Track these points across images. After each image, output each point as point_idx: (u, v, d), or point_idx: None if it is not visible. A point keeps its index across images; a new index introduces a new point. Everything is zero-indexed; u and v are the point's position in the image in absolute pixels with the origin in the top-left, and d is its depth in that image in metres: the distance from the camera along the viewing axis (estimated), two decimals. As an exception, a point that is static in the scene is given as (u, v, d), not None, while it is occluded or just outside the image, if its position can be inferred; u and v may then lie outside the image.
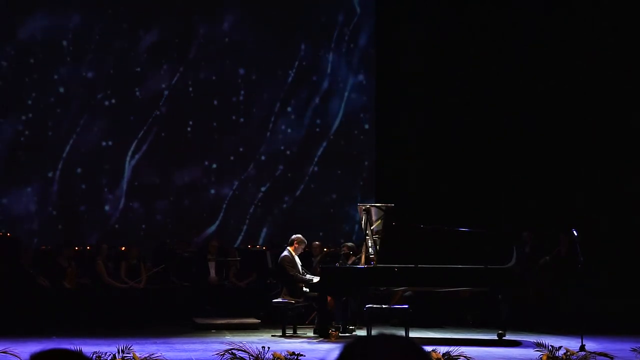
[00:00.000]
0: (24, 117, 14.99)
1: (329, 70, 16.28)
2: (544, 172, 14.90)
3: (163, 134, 15.58)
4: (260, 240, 15.74)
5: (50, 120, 15.10)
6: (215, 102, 15.85)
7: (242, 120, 15.97)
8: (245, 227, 15.86)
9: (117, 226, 15.29)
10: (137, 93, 15.52)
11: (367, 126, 16.42)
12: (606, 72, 14.54)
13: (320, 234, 15.42)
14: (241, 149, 15.94)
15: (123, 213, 15.37)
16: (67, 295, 12.90)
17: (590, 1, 14.91)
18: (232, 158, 15.89)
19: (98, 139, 15.29)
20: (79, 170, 15.18)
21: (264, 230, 15.93)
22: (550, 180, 14.80)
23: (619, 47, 14.61)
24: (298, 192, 16.06)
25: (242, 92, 15.98)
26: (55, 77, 15.14)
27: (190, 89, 15.75)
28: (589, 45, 14.70)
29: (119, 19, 15.42)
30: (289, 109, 16.16)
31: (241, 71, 15.98)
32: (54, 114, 15.13)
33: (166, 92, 15.61)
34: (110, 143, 15.35)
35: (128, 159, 15.42)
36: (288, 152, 16.11)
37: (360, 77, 16.43)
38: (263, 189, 15.98)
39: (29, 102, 15.03)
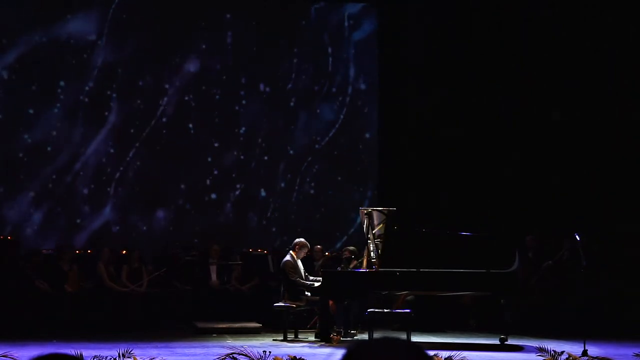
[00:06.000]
0: (25, 121, 14.97)
1: (330, 74, 16.24)
2: (547, 176, 14.86)
3: (165, 139, 15.55)
4: (263, 244, 15.69)
5: (52, 125, 15.08)
6: (216, 110, 15.81)
7: (244, 121, 15.95)
8: (247, 231, 15.81)
9: (118, 228, 15.27)
10: (139, 101, 15.49)
11: (369, 130, 16.37)
12: (610, 73, 14.51)
13: (322, 238, 15.37)
14: (242, 156, 15.90)
15: (125, 216, 15.34)
16: (68, 298, 12.87)
17: (592, 3, 14.88)
18: (233, 163, 15.85)
19: (100, 143, 15.27)
20: (80, 173, 15.15)
21: (267, 234, 15.87)
22: (553, 184, 14.76)
23: (621, 48, 14.59)
24: (299, 196, 16.02)
25: (243, 94, 15.96)
26: (57, 84, 15.15)
27: (192, 95, 15.73)
28: (593, 46, 14.67)
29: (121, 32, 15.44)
30: (289, 112, 16.12)
31: (242, 76, 15.95)
32: (56, 119, 15.11)
33: (166, 99, 15.59)
34: (110, 150, 15.33)
35: (130, 162, 15.39)
36: (289, 154, 16.06)
37: (362, 80, 16.39)
38: (263, 193, 15.94)
39: (30, 107, 15.02)
